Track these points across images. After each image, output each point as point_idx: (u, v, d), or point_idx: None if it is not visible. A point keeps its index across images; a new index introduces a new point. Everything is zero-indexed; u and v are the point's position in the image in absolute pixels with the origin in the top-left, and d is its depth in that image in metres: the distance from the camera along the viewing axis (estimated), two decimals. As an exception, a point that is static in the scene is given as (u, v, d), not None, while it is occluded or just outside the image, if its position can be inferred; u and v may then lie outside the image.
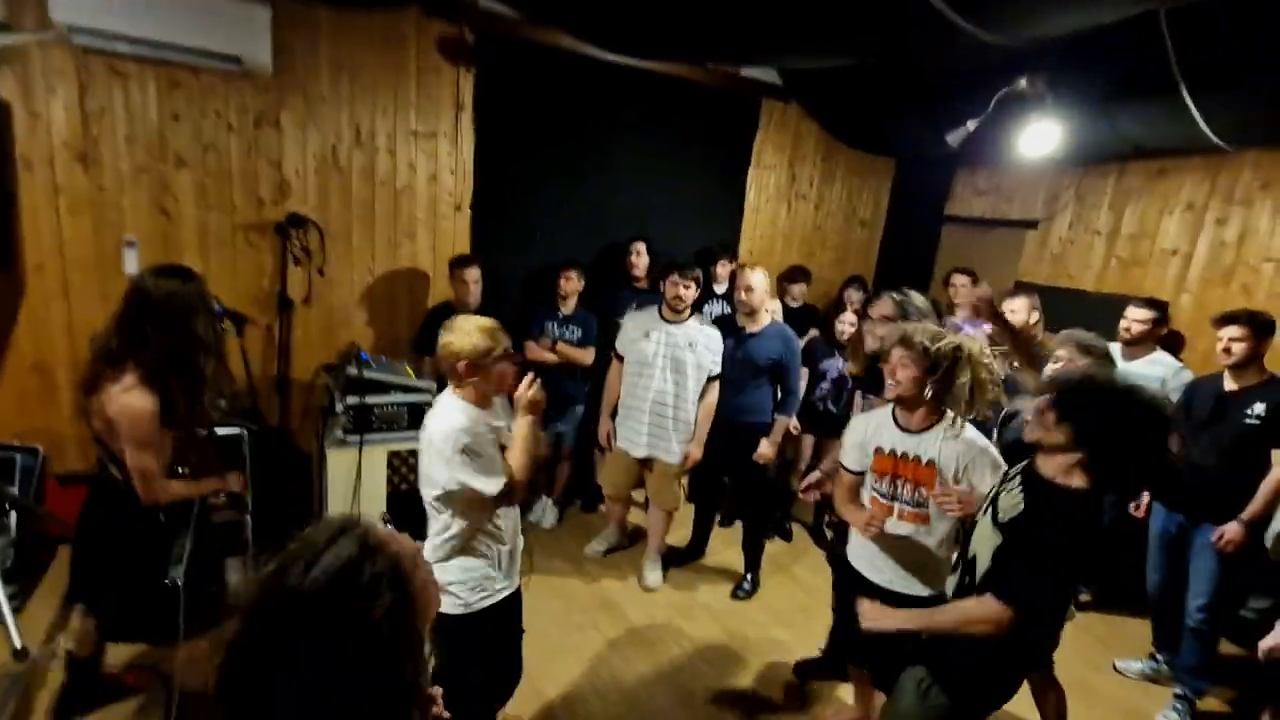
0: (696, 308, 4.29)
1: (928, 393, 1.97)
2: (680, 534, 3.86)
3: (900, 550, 2.13)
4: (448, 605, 1.87)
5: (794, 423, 3.95)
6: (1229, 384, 2.75)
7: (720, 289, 4.39)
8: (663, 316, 3.27)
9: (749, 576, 3.55)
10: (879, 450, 2.13)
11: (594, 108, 4.14)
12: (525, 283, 4.12)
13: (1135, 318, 3.20)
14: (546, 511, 4.10)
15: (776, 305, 4.06)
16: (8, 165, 2.92)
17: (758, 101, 4.66)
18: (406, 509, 3.35)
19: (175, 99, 3.16)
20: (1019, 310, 3.43)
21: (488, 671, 2.04)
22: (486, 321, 1.92)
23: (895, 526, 2.11)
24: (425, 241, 3.88)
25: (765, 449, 3.35)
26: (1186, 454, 2.73)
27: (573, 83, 4.01)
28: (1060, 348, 2.35)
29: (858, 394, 3.96)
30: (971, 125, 3.23)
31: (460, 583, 1.92)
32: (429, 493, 1.92)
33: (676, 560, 3.75)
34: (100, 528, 2.10)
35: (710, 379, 3.27)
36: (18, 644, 2.47)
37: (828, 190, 5.12)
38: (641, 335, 3.29)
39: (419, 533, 3.46)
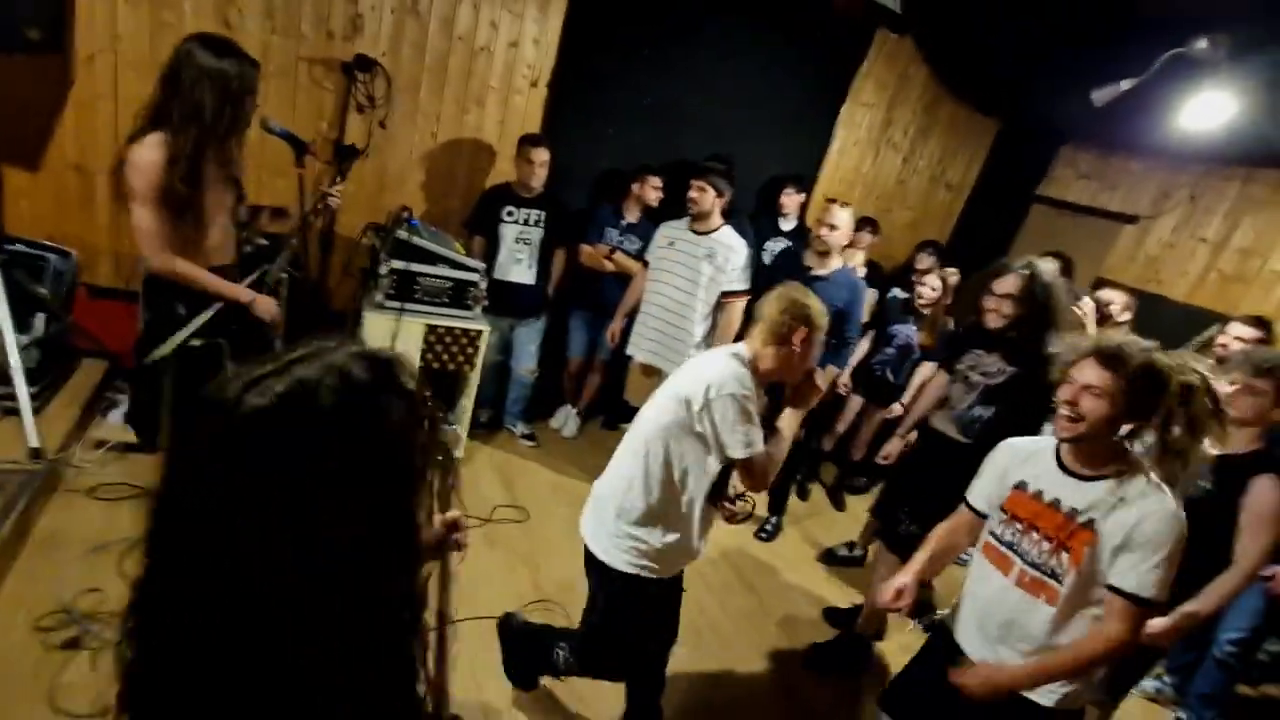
0: (758, 245, 4.05)
1: (1123, 431, 1.45)
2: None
3: (1012, 623, 1.59)
4: (644, 571, 1.80)
5: (845, 378, 3.78)
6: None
7: (787, 225, 4.13)
8: (691, 226, 3.19)
9: (773, 519, 3.49)
10: (1020, 486, 1.61)
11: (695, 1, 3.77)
12: (595, 181, 3.88)
13: (1238, 335, 2.95)
14: (569, 420, 4.00)
15: (860, 258, 3.81)
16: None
17: (871, 27, 4.24)
18: (438, 391, 3.25)
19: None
20: (1115, 303, 3.20)
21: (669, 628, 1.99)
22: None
23: (1003, 592, 1.60)
24: (494, 114, 3.61)
25: None
26: None
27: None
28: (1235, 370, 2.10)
29: (924, 365, 3.74)
30: (1125, 84, 2.87)
31: (661, 553, 1.79)
32: (663, 436, 1.75)
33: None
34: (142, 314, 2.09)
35: (729, 294, 3.13)
36: (34, 443, 2.42)
37: (921, 144, 4.74)
38: (667, 243, 3.26)
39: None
